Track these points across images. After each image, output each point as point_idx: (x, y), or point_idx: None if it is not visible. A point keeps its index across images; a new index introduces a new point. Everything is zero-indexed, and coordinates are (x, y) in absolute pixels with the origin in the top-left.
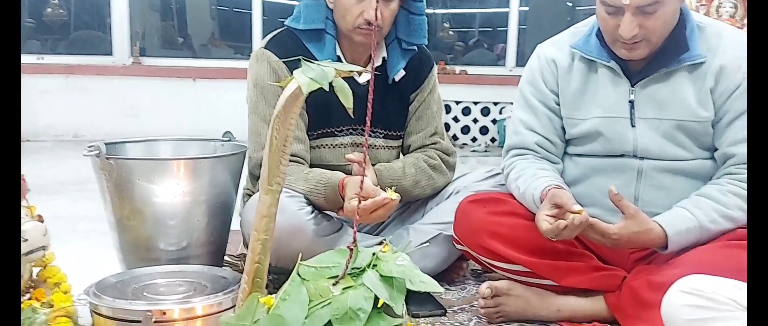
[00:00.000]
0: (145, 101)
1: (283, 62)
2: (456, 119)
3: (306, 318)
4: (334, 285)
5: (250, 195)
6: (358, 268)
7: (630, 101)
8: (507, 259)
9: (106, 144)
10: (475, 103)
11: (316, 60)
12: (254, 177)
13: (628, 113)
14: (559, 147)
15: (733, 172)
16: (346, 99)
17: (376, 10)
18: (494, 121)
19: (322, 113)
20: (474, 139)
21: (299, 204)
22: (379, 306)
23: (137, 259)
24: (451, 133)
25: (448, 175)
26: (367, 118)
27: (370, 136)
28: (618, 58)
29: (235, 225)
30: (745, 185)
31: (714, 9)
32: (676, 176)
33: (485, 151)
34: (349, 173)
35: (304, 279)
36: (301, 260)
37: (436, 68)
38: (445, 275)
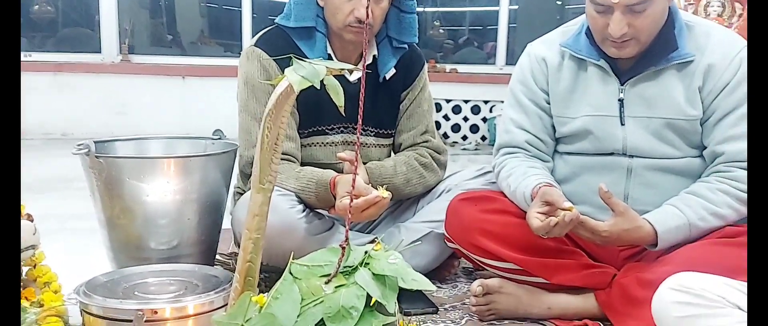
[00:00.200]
0: (134, 99)
1: (274, 60)
2: (446, 117)
3: (298, 316)
4: (326, 283)
5: (241, 194)
6: (350, 267)
7: (619, 100)
8: (498, 257)
9: (96, 142)
10: (466, 102)
11: (307, 58)
12: (245, 176)
13: (618, 112)
14: (549, 145)
15: (722, 170)
16: (337, 97)
17: (367, 8)
18: (485, 120)
19: (313, 111)
20: (464, 138)
21: (291, 202)
22: (371, 304)
23: (128, 258)
24: (441, 132)
25: (440, 173)
26: (358, 117)
27: (361, 134)
28: (607, 56)
29: (226, 223)
30: (734, 183)
31: (702, 8)
32: (665, 174)
33: (476, 150)
34: (340, 171)
35: (296, 277)
36: (293, 259)
37: (426, 66)
38: (436, 273)
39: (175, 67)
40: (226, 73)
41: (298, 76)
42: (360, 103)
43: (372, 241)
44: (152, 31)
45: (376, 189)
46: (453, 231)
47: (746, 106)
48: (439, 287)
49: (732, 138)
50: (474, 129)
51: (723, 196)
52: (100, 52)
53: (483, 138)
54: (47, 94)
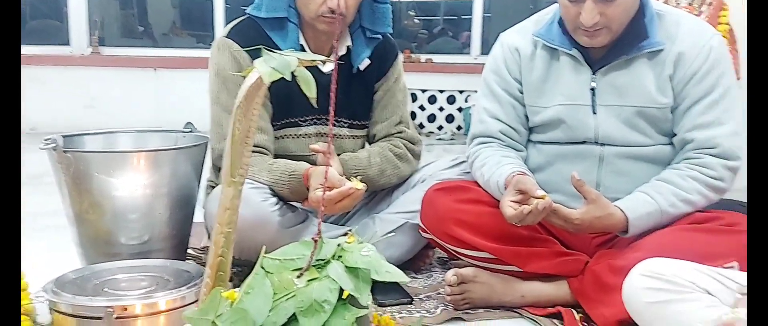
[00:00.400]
0: (104, 92)
1: (245, 51)
2: (422, 108)
3: (270, 311)
4: (298, 277)
5: (214, 187)
6: (323, 260)
7: (591, 88)
8: (472, 246)
9: (64, 136)
10: (441, 92)
11: (279, 49)
12: (217, 169)
13: (590, 100)
14: (522, 134)
15: (692, 157)
16: (309, 89)
17: None
18: (460, 109)
19: (285, 103)
20: (440, 128)
21: (263, 195)
22: (344, 297)
23: (98, 254)
24: (417, 122)
25: (414, 164)
26: (330, 108)
27: (334, 125)
28: (579, 45)
29: (198, 217)
30: (704, 169)
31: None
32: (636, 162)
33: (451, 139)
34: (313, 163)
35: (268, 272)
36: (266, 252)
37: (401, 57)
38: (411, 263)
39: (147, 59)
40: (198, 65)
41: (269, 67)
42: (332, 94)
43: (346, 233)
44: (123, 23)
45: (350, 180)
46: (428, 222)
47: (715, 93)
48: (413, 277)
49: (701, 125)
50: (450, 119)
51: (693, 183)
52: (69, 44)
53: (458, 128)
54: None
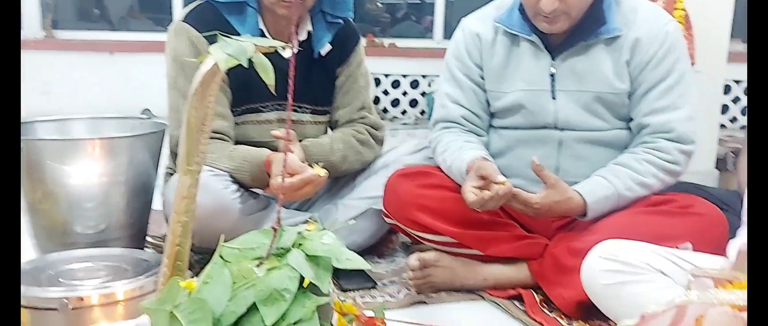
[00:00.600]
0: (58, 77)
1: (203, 36)
2: (386, 92)
3: (229, 300)
4: (258, 266)
5: (172, 174)
6: (283, 248)
7: (551, 74)
8: (434, 231)
9: None
10: (405, 76)
11: (238, 34)
12: (175, 156)
13: (550, 86)
14: (484, 120)
15: (648, 141)
16: (267, 75)
17: None
18: (423, 94)
19: (245, 89)
20: (404, 112)
21: (224, 182)
22: (305, 285)
23: (53, 244)
24: (381, 106)
25: (377, 149)
26: (289, 94)
27: (296, 111)
28: (539, 31)
29: (157, 205)
30: (659, 153)
31: None
32: (594, 146)
33: (415, 124)
34: (275, 150)
35: (227, 261)
36: (227, 239)
37: (362, 41)
38: (375, 248)
39: (103, 43)
40: (156, 49)
41: (224, 54)
42: (290, 80)
43: (306, 221)
44: (78, 5)
45: (312, 167)
46: (390, 207)
47: (671, 79)
48: (377, 262)
49: (657, 110)
50: (413, 103)
51: (649, 166)
52: (21, 28)
53: (422, 112)
54: None
